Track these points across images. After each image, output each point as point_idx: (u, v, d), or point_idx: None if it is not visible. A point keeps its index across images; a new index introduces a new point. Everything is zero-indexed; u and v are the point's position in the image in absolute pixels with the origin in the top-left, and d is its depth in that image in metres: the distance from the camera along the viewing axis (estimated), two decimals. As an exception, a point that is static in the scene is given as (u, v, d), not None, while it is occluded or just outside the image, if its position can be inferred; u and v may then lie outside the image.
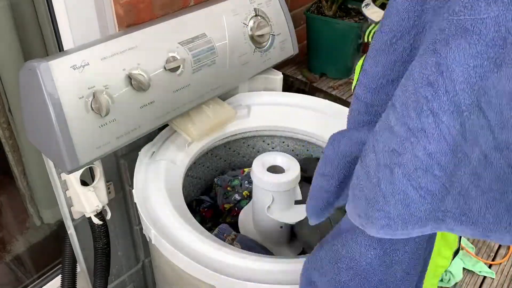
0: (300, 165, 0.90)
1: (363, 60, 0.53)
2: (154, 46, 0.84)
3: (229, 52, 0.95)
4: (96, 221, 0.89)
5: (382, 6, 1.12)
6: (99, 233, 0.93)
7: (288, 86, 1.32)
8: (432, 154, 0.40)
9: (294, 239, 0.99)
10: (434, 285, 0.72)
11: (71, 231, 0.97)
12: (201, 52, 0.90)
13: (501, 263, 1.15)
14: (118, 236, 1.11)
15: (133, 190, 0.85)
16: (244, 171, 1.07)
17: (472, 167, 0.39)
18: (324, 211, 0.57)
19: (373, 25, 0.79)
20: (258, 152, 1.11)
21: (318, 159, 1.05)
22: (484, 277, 1.12)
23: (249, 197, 1.02)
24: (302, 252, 0.97)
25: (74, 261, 1.00)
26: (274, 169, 0.89)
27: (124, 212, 1.10)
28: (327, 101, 1.06)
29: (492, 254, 1.17)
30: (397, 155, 0.42)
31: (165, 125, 0.95)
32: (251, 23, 1.00)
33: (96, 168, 0.87)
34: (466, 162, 0.39)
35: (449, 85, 0.38)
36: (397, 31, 0.46)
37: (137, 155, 0.92)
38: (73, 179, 0.86)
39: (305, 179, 1.03)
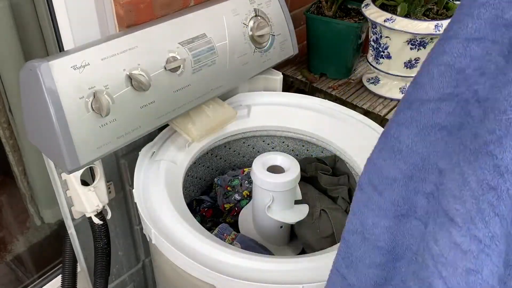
0: (300, 165, 0.90)
1: None
2: (155, 46, 0.84)
3: (229, 52, 0.96)
4: (96, 221, 0.89)
5: (382, 6, 1.13)
6: (99, 233, 0.93)
7: (288, 86, 1.32)
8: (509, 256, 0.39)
9: (294, 239, 1.00)
10: None
11: (71, 231, 0.97)
12: (201, 52, 0.90)
13: None
14: (119, 236, 1.11)
15: (134, 190, 0.85)
16: (244, 171, 1.07)
17: None
18: None
19: None
20: (258, 152, 1.11)
21: (318, 159, 1.06)
22: None
23: (249, 197, 1.02)
24: (302, 252, 0.97)
25: (74, 261, 1.00)
26: (274, 169, 0.89)
27: (125, 212, 1.10)
28: (327, 101, 1.06)
29: None
30: (474, 273, 0.39)
31: (165, 125, 0.95)
32: (251, 23, 1.00)
33: (96, 168, 0.87)
34: None
35: (510, 186, 0.37)
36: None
37: (138, 155, 0.93)
38: (74, 179, 0.86)
39: (305, 179, 1.03)
